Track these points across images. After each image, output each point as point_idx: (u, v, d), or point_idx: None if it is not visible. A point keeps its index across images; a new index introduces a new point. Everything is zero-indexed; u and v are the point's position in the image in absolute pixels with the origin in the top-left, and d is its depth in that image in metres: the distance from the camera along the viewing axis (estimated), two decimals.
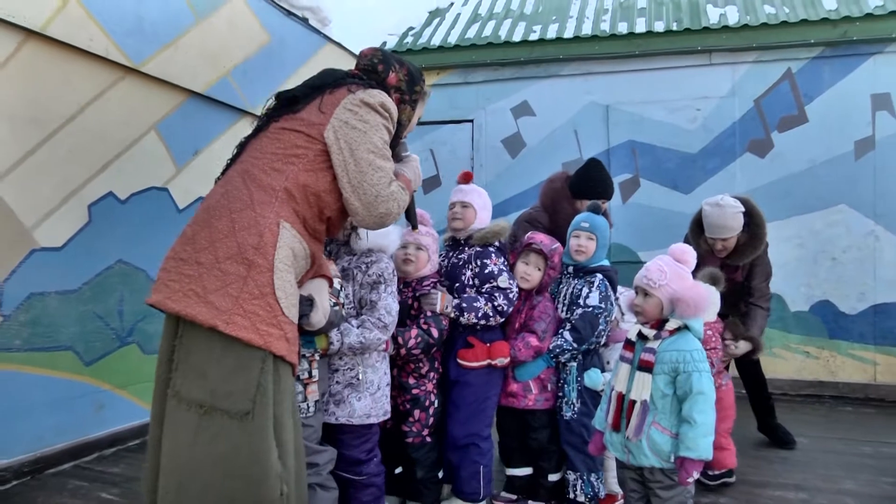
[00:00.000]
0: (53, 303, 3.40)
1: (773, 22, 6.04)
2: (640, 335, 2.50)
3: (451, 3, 7.43)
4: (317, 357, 2.42)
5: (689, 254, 2.56)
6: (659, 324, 2.48)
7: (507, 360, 3.02)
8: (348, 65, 6.11)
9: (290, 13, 5.16)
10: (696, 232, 3.96)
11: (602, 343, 3.22)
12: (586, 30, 6.43)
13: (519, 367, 3.11)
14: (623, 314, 3.28)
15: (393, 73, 2.20)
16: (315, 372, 2.40)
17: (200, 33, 4.28)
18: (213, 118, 4.47)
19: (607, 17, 6.63)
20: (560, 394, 3.14)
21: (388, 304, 2.54)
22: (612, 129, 6.40)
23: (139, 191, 3.92)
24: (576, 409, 3.08)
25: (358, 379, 2.54)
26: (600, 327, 3.12)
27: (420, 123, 6.37)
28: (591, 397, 3.10)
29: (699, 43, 6.18)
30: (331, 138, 1.96)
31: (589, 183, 4.01)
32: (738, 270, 3.94)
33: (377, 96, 2.02)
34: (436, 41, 6.72)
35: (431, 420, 2.96)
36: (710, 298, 2.89)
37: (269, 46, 4.95)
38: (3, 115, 3.14)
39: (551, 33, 6.48)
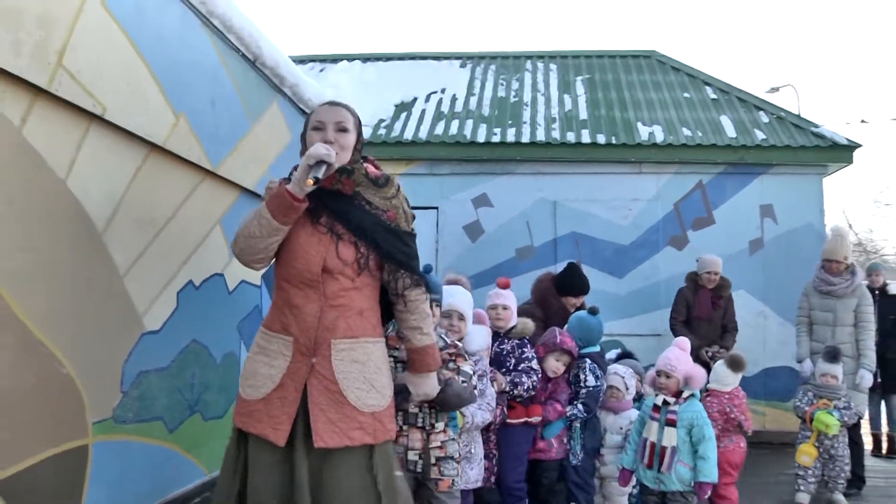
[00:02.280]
0: (153, 379, 3.89)
1: (689, 143, 7.36)
2: (665, 402, 3.50)
3: (415, 98, 8.32)
4: (462, 436, 3.11)
5: (688, 344, 3.65)
6: (676, 394, 3.51)
7: (539, 418, 3.90)
8: None
9: (303, 112, 5.85)
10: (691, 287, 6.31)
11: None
12: (540, 136, 7.50)
13: (546, 429, 4.01)
14: (627, 387, 4.22)
15: None
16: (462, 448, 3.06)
17: (253, 136, 4.91)
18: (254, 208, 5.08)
19: (556, 125, 7.75)
20: (568, 447, 4.07)
21: (492, 391, 3.31)
22: (558, 221, 7.46)
23: (207, 277, 4.47)
24: (580, 458, 4.05)
25: (471, 452, 3.26)
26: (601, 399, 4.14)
27: None
28: (590, 449, 4.08)
29: (632, 155, 7.40)
30: None
31: (571, 281, 5.11)
32: (720, 299, 6.03)
33: None
34: (407, 135, 7.56)
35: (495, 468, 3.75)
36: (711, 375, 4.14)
37: (291, 143, 5.62)
38: (131, 217, 3.67)
39: (510, 137, 7.51)
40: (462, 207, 7.53)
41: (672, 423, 3.52)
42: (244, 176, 4.84)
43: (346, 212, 2.23)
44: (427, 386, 2.39)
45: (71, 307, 3.23)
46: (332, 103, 2.36)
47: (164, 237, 3.97)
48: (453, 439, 2.97)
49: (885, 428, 6.88)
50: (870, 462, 6.03)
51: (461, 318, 3.40)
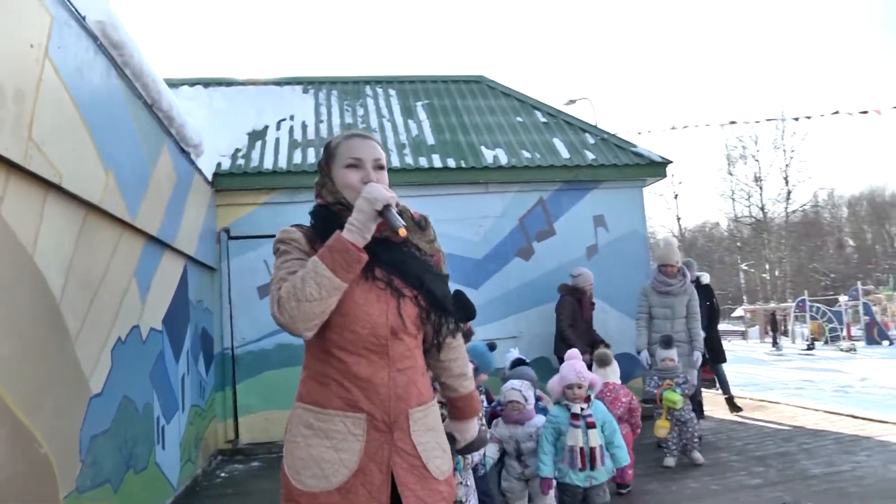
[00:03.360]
0: (101, 442, 3.81)
1: (530, 164, 8.16)
2: (581, 410, 4.11)
3: (266, 126, 8.34)
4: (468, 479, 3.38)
5: (580, 354, 4.36)
6: (586, 399, 4.13)
7: None
8: (206, 192, 6.78)
9: (184, 152, 5.80)
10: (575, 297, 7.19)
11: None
12: (394, 162, 7.89)
13: None
14: (526, 399, 4.73)
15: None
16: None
17: (154, 182, 4.85)
18: (155, 255, 5.00)
19: (407, 151, 8.19)
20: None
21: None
22: None
23: (129, 331, 4.39)
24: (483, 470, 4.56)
25: (468, 485, 3.58)
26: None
27: (254, 237, 7.23)
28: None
29: (480, 177, 8.05)
30: None
31: (457, 308, 5.61)
32: (593, 305, 6.95)
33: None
34: (267, 164, 7.62)
35: None
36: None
37: (177, 185, 5.57)
38: (78, 282, 3.59)
39: None
40: None
41: (592, 426, 4.12)
42: (151, 224, 4.79)
43: (402, 262, 1.98)
44: (472, 431, 2.25)
45: (42, 383, 3.18)
46: (364, 136, 2.08)
47: (100, 297, 3.92)
48: (461, 482, 3.26)
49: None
50: (704, 424, 7.13)
51: None
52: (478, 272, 8.01)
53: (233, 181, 7.43)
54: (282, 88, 9.32)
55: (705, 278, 8.14)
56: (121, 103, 4.26)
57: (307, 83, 9.57)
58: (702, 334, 6.58)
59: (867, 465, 5.37)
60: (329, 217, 2.02)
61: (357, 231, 1.86)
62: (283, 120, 8.53)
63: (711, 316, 7.95)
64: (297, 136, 8.30)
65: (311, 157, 7.86)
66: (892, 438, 6.26)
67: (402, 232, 1.85)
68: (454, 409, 2.21)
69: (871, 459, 5.53)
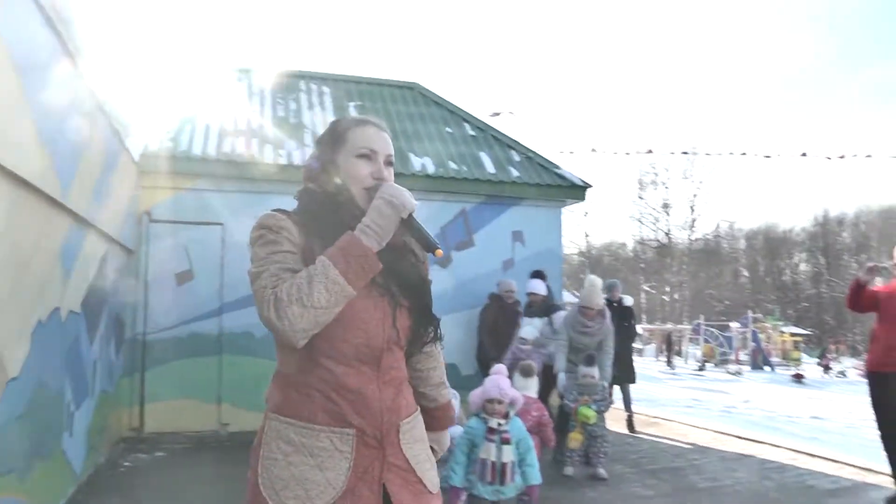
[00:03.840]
0: (14, 428, 3.73)
1: (456, 176, 8.37)
2: (499, 425, 4.28)
3: (197, 112, 8.22)
4: None
5: (506, 371, 4.48)
6: (505, 415, 4.31)
7: None
8: (132, 173, 6.67)
9: (116, 131, 5.69)
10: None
11: None
12: None
13: None
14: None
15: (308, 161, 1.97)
16: None
17: (85, 160, 4.75)
18: (80, 235, 4.90)
19: None
20: None
21: None
22: None
23: (50, 313, 4.30)
24: None
25: None
26: None
27: (175, 222, 7.17)
28: None
29: (406, 184, 7.83)
30: None
31: None
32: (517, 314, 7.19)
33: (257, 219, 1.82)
34: (196, 150, 7.52)
35: None
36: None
37: (106, 165, 5.47)
38: (3, 260, 3.52)
39: (296, 160, 7.84)
40: (247, 225, 7.65)
41: (507, 441, 4.29)
42: (80, 204, 4.71)
43: (400, 270, 1.80)
44: (447, 440, 2.15)
45: None
46: (380, 127, 1.90)
47: (24, 277, 3.85)
48: None
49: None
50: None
51: None
52: None
53: (159, 163, 7.29)
54: (215, 74, 9.19)
55: (628, 300, 8.53)
56: (62, 79, 4.19)
57: (241, 71, 9.49)
58: (610, 369, 6.77)
59: (745, 480, 5.83)
60: (331, 207, 1.79)
61: (374, 237, 1.65)
62: (215, 107, 8.42)
63: (628, 336, 8.36)
64: (228, 124, 8.22)
65: (241, 146, 7.82)
66: (768, 457, 6.80)
67: (440, 253, 1.70)
68: (432, 419, 2.05)
69: (749, 475, 6.00)
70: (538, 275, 7.77)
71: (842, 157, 20.80)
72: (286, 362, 1.78)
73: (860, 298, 5.38)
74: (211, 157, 7.50)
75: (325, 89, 9.64)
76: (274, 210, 1.79)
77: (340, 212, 1.77)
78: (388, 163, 1.86)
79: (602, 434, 6.05)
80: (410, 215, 1.70)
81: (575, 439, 5.99)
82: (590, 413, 5.92)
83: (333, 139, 1.86)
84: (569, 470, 5.99)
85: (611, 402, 6.40)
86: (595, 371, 6.14)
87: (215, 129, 8.02)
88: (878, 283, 5.43)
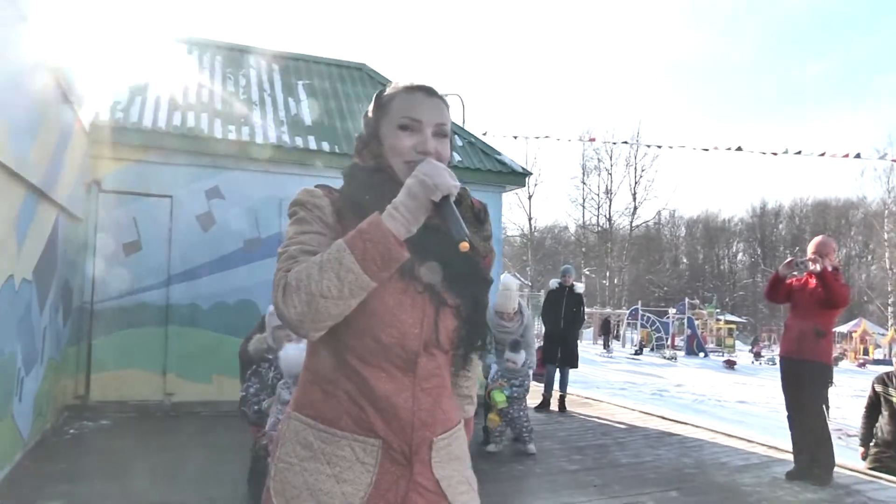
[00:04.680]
0: None
1: None
2: None
3: (147, 83, 8.21)
4: None
5: None
6: None
7: None
8: (83, 142, 6.71)
9: (69, 100, 5.73)
10: None
11: None
12: (272, 138, 8.02)
13: None
14: None
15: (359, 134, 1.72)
16: None
17: (43, 131, 4.82)
18: (33, 203, 4.97)
19: (285, 129, 8.35)
20: None
21: None
22: (284, 217, 8.08)
23: (3, 281, 4.39)
24: None
25: None
26: None
27: (124, 193, 7.24)
28: None
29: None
30: None
31: None
32: None
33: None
34: (146, 122, 7.54)
35: None
36: None
37: (61, 135, 5.52)
38: None
39: (244, 135, 7.92)
40: (195, 198, 7.76)
41: None
42: (36, 173, 4.80)
43: (450, 262, 1.54)
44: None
45: None
46: (429, 92, 1.64)
47: None
48: None
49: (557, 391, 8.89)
50: (534, 416, 7.86)
51: None
52: None
53: (110, 134, 7.29)
54: (166, 45, 9.17)
55: (579, 287, 8.93)
56: (16, 49, 4.26)
57: (192, 43, 9.49)
58: (534, 357, 7.09)
59: (665, 457, 6.25)
60: (368, 185, 1.56)
61: (402, 220, 1.41)
62: (165, 78, 8.43)
63: (576, 322, 8.80)
64: (178, 97, 8.25)
65: (191, 120, 7.86)
66: (689, 436, 7.28)
67: (465, 246, 1.43)
68: None
69: (669, 453, 6.44)
70: None
71: (774, 153, 21.56)
72: (313, 356, 1.59)
73: (777, 291, 5.84)
74: (161, 130, 7.53)
75: (275, 66, 9.68)
76: (316, 186, 1.60)
77: (379, 190, 1.52)
78: (440, 133, 1.60)
79: (519, 416, 6.35)
80: (445, 198, 1.44)
81: (491, 420, 6.32)
82: (500, 397, 6.24)
83: (377, 110, 1.65)
84: (491, 447, 6.30)
85: (527, 389, 6.65)
86: (519, 357, 6.46)
87: (165, 102, 8.05)
88: (795, 276, 5.89)
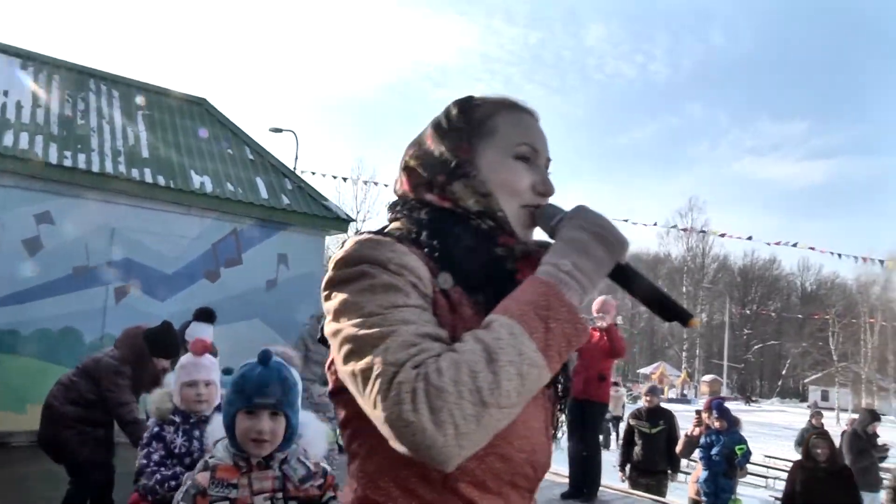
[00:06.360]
0: None
1: (232, 197, 9.23)
2: None
3: None
4: None
5: None
6: None
7: None
8: None
9: None
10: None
11: None
12: (108, 168, 8.34)
13: None
14: None
15: (405, 160, 1.25)
16: None
17: None
18: None
19: (122, 160, 8.66)
20: None
21: None
22: (115, 247, 8.42)
23: None
24: None
25: None
26: None
27: None
28: None
29: (185, 199, 8.88)
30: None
31: (166, 342, 4.99)
32: None
33: (344, 247, 1.11)
34: None
35: None
36: None
37: None
38: None
39: (80, 163, 8.16)
40: (24, 222, 7.84)
41: None
42: None
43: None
44: None
45: None
46: (534, 114, 1.27)
47: None
48: None
49: None
50: None
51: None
52: (167, 286, 8.76)
53: None
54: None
55: None
56: None
57: (28, 58, 9.43)
58: None
59: None
60: (471, 236, 1.15)
61: (578, 291, 1.03)
62: None
63: None
64: (11, 115, 8.27)
65: (24, 141, 7.95)
66: None
67: (695, 322, 1.10)
68: None
69: None
70: (203, 315, 6.07)
71: None
72: (394, 481, 1.09)
73: None
74: None
75: (115, 93, 9.87)
76: (372, 233, 1.13)
77: (487, 244, 1.15)
78: (547, 166, 1.26)
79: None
80: (628, 263, 1.10)
81: None
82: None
83: (471, 127, 1.21)
84: None
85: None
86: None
87: None
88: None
